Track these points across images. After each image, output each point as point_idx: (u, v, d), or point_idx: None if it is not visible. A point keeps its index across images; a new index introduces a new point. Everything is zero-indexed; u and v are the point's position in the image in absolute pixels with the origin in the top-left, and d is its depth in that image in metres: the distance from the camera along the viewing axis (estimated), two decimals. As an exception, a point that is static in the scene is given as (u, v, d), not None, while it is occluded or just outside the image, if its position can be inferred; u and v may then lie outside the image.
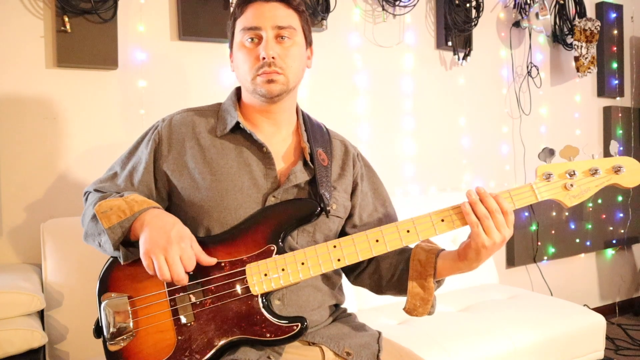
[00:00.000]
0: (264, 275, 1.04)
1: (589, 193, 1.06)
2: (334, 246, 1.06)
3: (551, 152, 1.06)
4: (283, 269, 1.05)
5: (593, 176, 1.06)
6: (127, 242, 1.07)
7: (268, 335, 1.03)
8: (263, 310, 1.04)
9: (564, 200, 1.06)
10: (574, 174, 1.05)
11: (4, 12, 1.76)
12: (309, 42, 1.22)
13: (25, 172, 1.80)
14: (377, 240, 1.06)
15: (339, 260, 1.06)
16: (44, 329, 1.51)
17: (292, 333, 1.03)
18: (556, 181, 1.06)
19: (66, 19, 1.78)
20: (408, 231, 1.06)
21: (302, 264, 1.05)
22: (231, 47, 1.20)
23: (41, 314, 1.56)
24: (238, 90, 1.25)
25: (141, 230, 1.02)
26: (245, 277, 1.04)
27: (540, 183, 1.06)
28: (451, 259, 1.10)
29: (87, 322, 1.54)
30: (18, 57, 1.78)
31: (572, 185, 1.05)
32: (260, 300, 1.04)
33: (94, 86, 1.90)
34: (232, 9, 1.18)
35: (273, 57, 1.09)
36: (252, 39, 1.12)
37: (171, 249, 0.98)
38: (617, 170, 1.05)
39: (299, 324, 1.03)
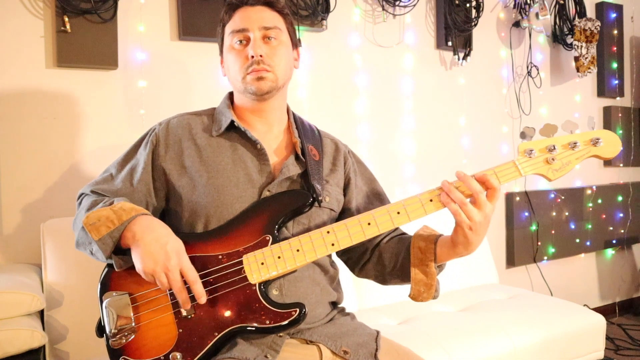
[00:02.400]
0: (261, 264, 1.07)
1: (570, 166, 1.09)
2: (327, 232, 1.10)
3: (531, 131, 1.10)
4: (279, 257, 1.08)
5: (573, 149, 1.09)
6: (119, 250, 1.08)
7: (267, 322, 1.04)
8: (261, 299, 1.06)
9: (547, 174, 1.09)
10: (554, 148, 1.08)
11: (4, 12, 1.76)
12: (294, 44, 1.27)
13: (25, 172, 1.80)
14: (369, 223, 1.09)
15: (332, 244, 1.09)
16: (44, 329, 1.51)
17: (291, 319, 1.04)
18: (538, 156, 1.09)
19: (66, 19, 1.78)
20: (398, 213, 1.09)
21: (297, 250, 1.08)
22: (221, 52, 1.26)
23: (41, 314, 1.56)
24: (231, 95, 1.30)
25: (133, 242, 1.03)
26: (243, 267, 1.07)
27: (522, 159, 1.09)
28: (448, 244, 1.11)
29: (87, 322, 1.55)
30: (18, 57, 1.79)
31: (553, 159, 1.08)
32: (258, 288, 1.06)
33: (94, 86, 1.90)
34: (220, 16, 1.24)
35: (261, 55, 1.16)
36: (240, 41, 1.18)
37: (170, 264, 1.01)
38: (595, 142, 1.08)
39: (297, 310, 1.05)
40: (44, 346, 1.45)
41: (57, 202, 1.83)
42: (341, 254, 1.33)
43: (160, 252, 1.01)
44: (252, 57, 1.15)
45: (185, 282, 1.03)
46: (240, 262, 1.07)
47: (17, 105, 1.79)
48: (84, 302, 1.58)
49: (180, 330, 1.05)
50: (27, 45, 1.80)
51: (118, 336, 1.04)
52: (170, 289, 1.05)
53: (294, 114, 1.32)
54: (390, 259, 1.23)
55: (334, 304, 1.27)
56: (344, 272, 1.36)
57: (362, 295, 2.12)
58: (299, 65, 1.31)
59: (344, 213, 1.28)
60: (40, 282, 1.60)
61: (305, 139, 1.25)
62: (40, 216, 1.80)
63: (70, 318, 1.58)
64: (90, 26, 1.83)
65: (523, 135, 1.11)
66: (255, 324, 1.05)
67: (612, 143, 1.09)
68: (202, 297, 1.02)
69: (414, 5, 2.49)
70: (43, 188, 1.83)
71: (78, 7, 1.79)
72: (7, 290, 1.41)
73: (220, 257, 1.08)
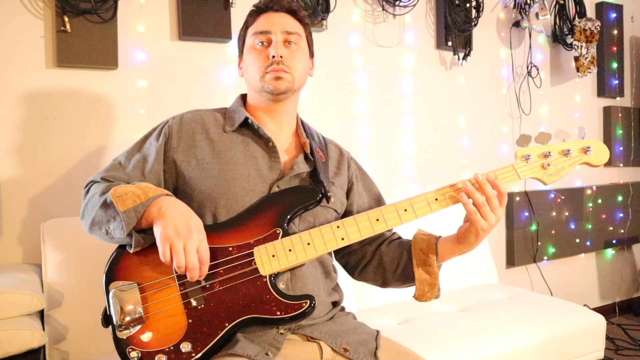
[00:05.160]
0: (272, 256, 1.09)
1: (564, 172, 1.17)
2: (337, 226, 1.13)
3: (528, 138, 1.17)
4: (290, 250, 1.10)
5: (566, 156, 1.17)
6: (137, 230, 1.08)
7: (278, 313, 1.06)
8: (272, 290, 1.08)
9: (543, 178, 1.17)
10: (550, 154, 1.17)
11: (4, 12, 1.76)
12: (311, 53, 1.32)
13: (26, 172, 1.80)
14: (377, 219, 1.14)
15: (342, 239, 1.13)
16: (44, 329, 1.51)
17: (302, 310, 1.06)
18: (535, 161, 1.17)
19: (66, 19, 1.78)
20: (405, 210, 1.14)
21: (308, 244, 1.11)
22: (241, 54, 1.31)
23: (41, 314, 1.56)
24: (243, 97, 1.34)
25: (159, 215, 1.05)
26: (254, 259, 1.09)
27: (520, 163, 1.16)
28: (451, 242, 1.17)
29: (87, 322, 1.55)
30: (18, 57, 1.79)
31: (548, 164, 1.16)
32: (269, 280, 1.08)
33: (94, 86, 1.90)
34: (244, 20, 1.31)
35: (281, 57, 1.20)
36: (262, 42, 1.24)
37: (191, 238, 1.02)
38: (586, 150, 1.17)
39: (308, 301, 1.07)
40: (44, 346, 1.45)
41: (57, 202, 1.83)
42: (340, 257, 1.36)
43: (183, 225, 1.03)
44: (273, 57, 1.20)
45: None
46: (251, 254, 1.09)
47: (17, 105, 1.79)
48: (84, 302, 1.58)
49: (190, 321, 1.05)
50: (27, 45, 1.80)
51: (125, 326, 1.04)
52: (178, 273, 1.06)
53: (301, 120, 1.36)
54: (392, 262, 1.26)
55: (334, 304, 1.28)
56: (344, 273, 1.37)
57: (362, 295, 2.12)
58: (313, 74, 1.36)
59: (345, 216, 1.28)
60: (40, 282, 1.59)
61: (312, 141, 1.29)
62: (40, 216, 1.80)
63: (70, 318, 1.58)
64: (90, 26, 1.83)
65: (520, 142, 1.17)
66: (266, 315, 1.06)
67: (601, 152, 1.17)
68: (201, 277, 1.04)
69: (414, 5, 2.49)
70: (43, 188, 1.83)
71: (78, 7, 1.79)
72: (7, 290, 1.41)
73: (230, 248, 1.10)
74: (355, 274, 1.36)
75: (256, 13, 1.27)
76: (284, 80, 1.20)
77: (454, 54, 2.65)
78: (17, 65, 1.79)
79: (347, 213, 1.31)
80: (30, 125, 1.81)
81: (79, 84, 1.88)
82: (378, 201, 1.38)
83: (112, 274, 1.09)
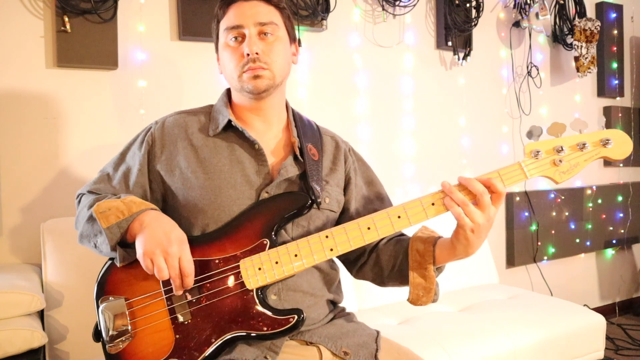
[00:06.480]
0: (258, 269, 1.05)
1: (578, 168, 1.05)
2: (326, 236, 1.07)
3: (538, 130, 1.05)
4: (277, 262, 1.05)
5: (581, 150, 1.05)
6: (124, 244, 1.07)
7: (265, 328, 1.03)
8: (259, 305, 1.04)
9: (554, 176, 1.05)
10: (562, 149, 1.04)
11: (4, 12, 1.76)
12: (292, 39, 1.23)
13: (25, 172, 1.80)
14: (368, 228, 1.06)
15: (331, 250, 1.06)
16: (44, 329, 1.51)
17: (289, 325, 1.03)
18: (544, 158, 1.05)
19: (66, 19, 1.78)
20: (399, 217, 1.06)
21: (295, 255, 1.06)
22: (217, 49, 1.22)
23: (41, 314, 1.56)
24: (228, 92, 1.26)
25: (140, 230, 1.03)
26: (240, 273, 1.05)
27: (528, 161, 1.05)
28: (447, 246, 1.08)
29: (87, 322, 1.54)
30: (18, 57, 1.79)
31: (560, 161, 1.04)
32: (255, 294, 1.05)
33: (94, 86, 1.90)
34: (214, 12, 1.21)
35: (257, 53, 1.11)
36: (235, 37, 1.14)
37: (171, 250, 0.99)
38: (605, 143, 1.04)
39: (295, 316, 1.03)
40: (44, 346, 1.45)
41: (57, 202, 1.83)
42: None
43: (163, 237, 1.00)
44: (248, 54, 1.11)
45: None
46: (238, 267, 1.05)
47: (17, 105, 1.79)
48: (84, 302, 1.57)
49: (178, 336, 1.03)
50: (27, 45, 1.80)
51: (115, 341, 1.03)
52: (165, 288, 1.04)
53: (293, 110, 1.28)
54: (388, 262, 1.20)
55: (334, 305, 1.25)
56: (344, 272, 1.35)
57: (362, 296, 2.12)
58: (298, 60, 1.26)
59: (343, 213, 1.25)
60: (40, 282, 1.60)
61: (305, 137, 1.21)
62: (40, 216, 1.80)
63: (70, 318, 1.58)
64: (90, 26, 1.83)
65: (530, 134, 1.06)
66: (253, 331, 1.03)
67: (623, 144, 1.05)
68: (186, 287, 1.02)
69: (414, 5, 2.49)
70: (43, 188, 1.83)
71: (78, 7, 1.79)
72: (7, 290, 1.41)
73: (217, 261, 1.06)
74: (353, 271, 1.30)
75: (225, 5, 1.16)
76: (263, 78, 1.12)
77: (454, 54, 2.65)
78: (17, 65, 1.79)
79: (344, 210, 1.25)
80: (30, 125, 1.81)
81: (79, 84, 1.88)
82: (379, 194, 1.30)
83: (102, 288, 1.08)
